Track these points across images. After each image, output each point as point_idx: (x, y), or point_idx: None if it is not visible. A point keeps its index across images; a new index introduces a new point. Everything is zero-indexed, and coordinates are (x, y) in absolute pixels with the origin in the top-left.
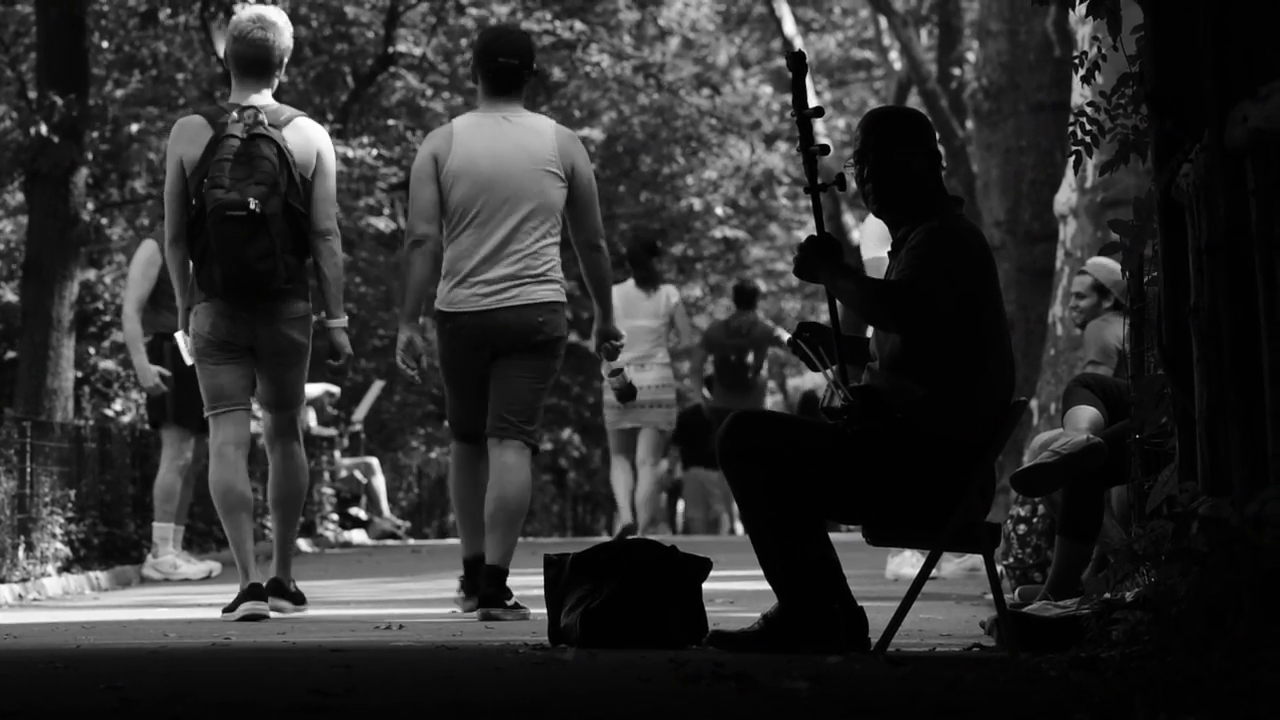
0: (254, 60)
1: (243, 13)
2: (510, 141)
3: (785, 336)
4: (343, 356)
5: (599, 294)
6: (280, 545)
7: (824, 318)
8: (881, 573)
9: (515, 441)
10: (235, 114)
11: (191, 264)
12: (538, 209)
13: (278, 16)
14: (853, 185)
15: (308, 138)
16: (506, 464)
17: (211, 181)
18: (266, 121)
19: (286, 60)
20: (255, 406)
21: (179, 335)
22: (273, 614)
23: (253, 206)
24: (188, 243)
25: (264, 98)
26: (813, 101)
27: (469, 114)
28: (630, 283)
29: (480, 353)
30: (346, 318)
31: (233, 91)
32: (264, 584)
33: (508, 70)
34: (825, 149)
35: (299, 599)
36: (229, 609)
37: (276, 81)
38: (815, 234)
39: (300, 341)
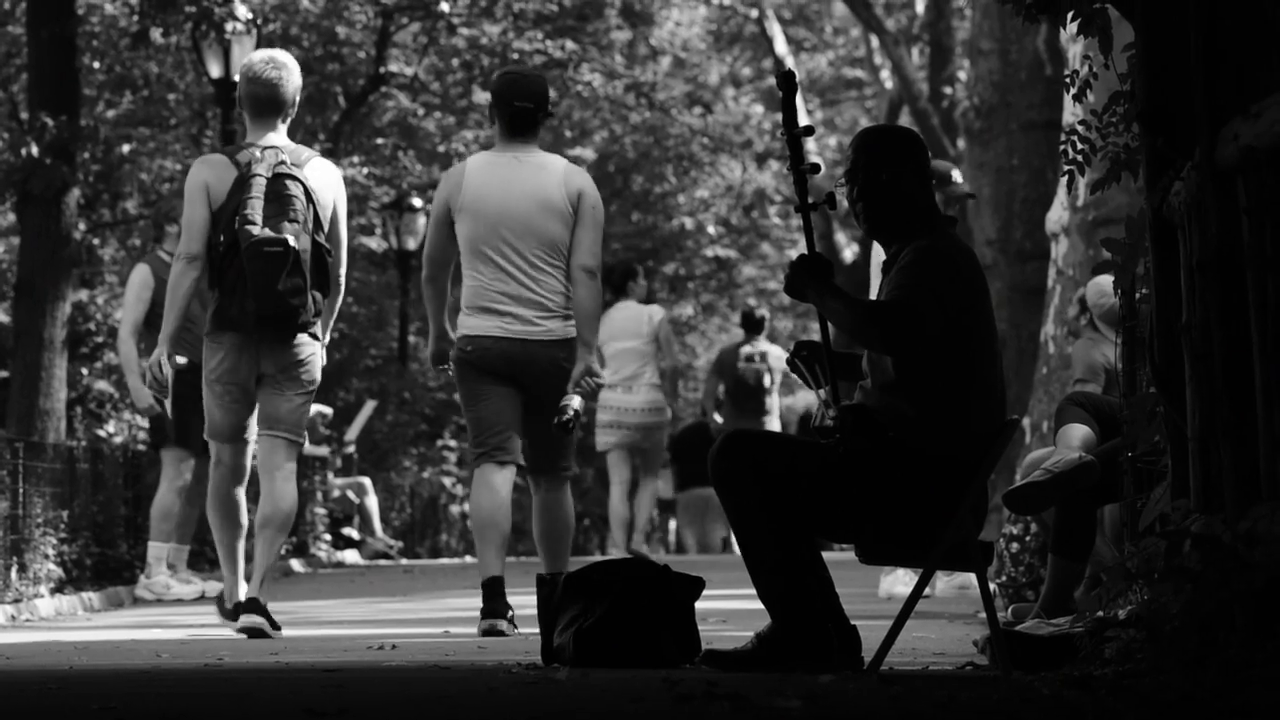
0: (267, 99)
1: (254, 55)
2: (519, 181)
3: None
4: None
5: (585, 323)
6: (261, 567)
7: (816, 336)
8: (874, 591)
9: (556, 479)
10: (258, 153)
11: (220, 297)
12: (546, 246)
13: (287, 59)
14: (844, 204)
15: (326, 177)
16: (554, 501)
17: (244, 219)
18: (289, 161)
19: (298, 100)
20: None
21: (162, 359)
22: (247, 631)
23: (292, 243)
24: (216, 276)
25: (280, 137)
26: (803, 120)
27: (483, 153)
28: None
29: (501, 371)
30: (328, 337)
31: (249, 132)
32: (258, 599)
33: (523, 113)
34: (815, 168)
35: (274, 625)
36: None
37: (289, 121)
38: (806, 253)
39: (308, 371)
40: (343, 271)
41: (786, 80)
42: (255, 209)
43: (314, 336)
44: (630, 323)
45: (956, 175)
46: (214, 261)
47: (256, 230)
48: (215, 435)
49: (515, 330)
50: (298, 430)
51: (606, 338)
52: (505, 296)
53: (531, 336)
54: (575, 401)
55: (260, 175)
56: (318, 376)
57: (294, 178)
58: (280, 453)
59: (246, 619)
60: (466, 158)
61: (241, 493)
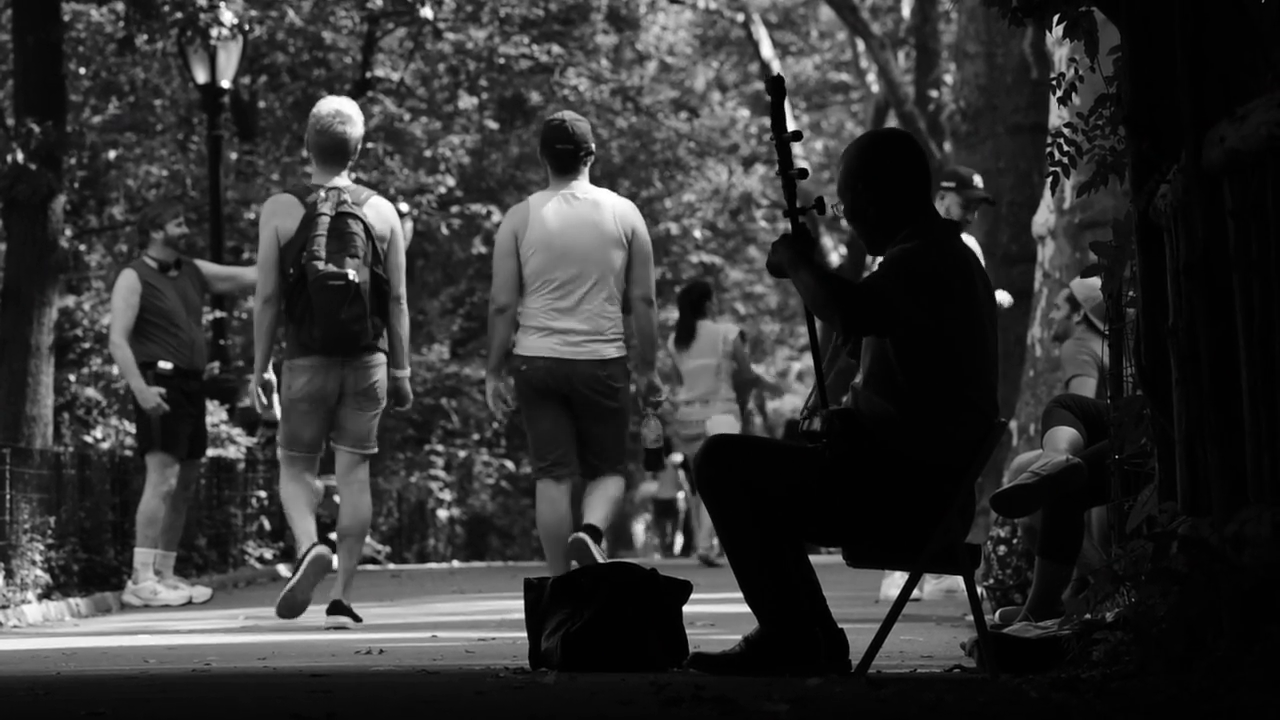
0: (334, 149)
1: (322, 105)
2: (577, 216)
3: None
4: (406, 402)
5: (647, 345)
6: (345, 572)
7: (802, 341)
8: (863, 594)
9: (608, 477)
10: (323, 194)
11: (291, 324)
12: (603, 275)
13: (352, 109)
14: (832, 209)
15: (382, 214)
16: (604, 484)
17: (310, 255)
18: (350, 201)
19: (360, 145)
20: None
21: (261, 381)
22: (335, 630)
23: (351, 276)
24: (288, 306)
25: (344, 179)
26: (791, 125)
27: (541, 193)
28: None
29: (551, 390)
30: (409, 369)
31: (315, 174)
32: (342, 600)
33: (565, 154)
34: (804, 172)
35: (356, 618)
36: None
37: (353, 163)
38: (789, 230)
39: (380, 388)
40: (403, 292)
41: (776, 85)
42: (320, 245)
43: (383, 352)
44: (707, 341)
45: (977, 180)
46: (287, 293)
47: (321, 265)
48: (296, 446)
49: (565, 351)
50: (368, 444)
51: (684, 356)
52: (558, 320)
53: (579, 356)
54: (653, 427)
55: (325, 214)
56: (385, 394)
57: (355, 216)
58: (355, 466)
59: (331, 619)
60: (529, 196)
61: (313, 497)
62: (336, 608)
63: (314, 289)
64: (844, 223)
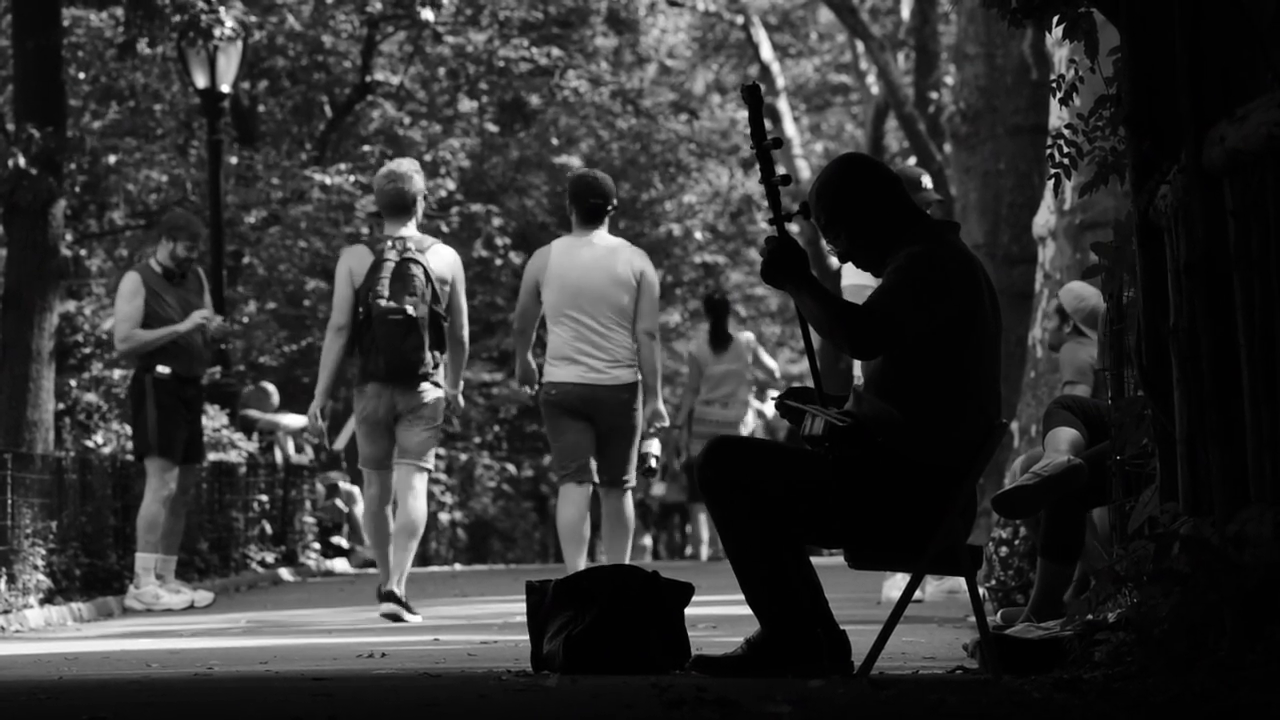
0: (393, 204)
1: (384, 168)
2: (592, 260)
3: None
4: (453, 409)
5: (650, 375)
6: (397, 565)
7: (800, 344)
8: (866, 596)
9: (618, 490)
10: (390, 243)
11: (360, 355)
12: (614, 311)
13: (407, 167)
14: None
15: (444, 259)
16: (616, 508)
17: (376, 294)
18: (414, 248)
19: (422, 198)
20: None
21: (317, 411)
22: (388, 618)
23: (410, 311)
24: (356, 338)
25: (410, 229)
26: (789, 127)
27: (564, 237)
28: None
29: (579, 411)
30: (462, 384)
31: (386, 226)
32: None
33: (597, 208)
34: (786, 179)
35: (410, 609)
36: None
37: (418, 214)
38: (779, 235)
39: (431, 410)
40: (465, 333)
41: (752, 94)
42: (385, 286)
43: (436, 384)
44: (733, 348)
45: (926, 181)
46: (357, 328)
47: (384, 303)
48: (365, 463)
49: (590, 378)
50: (424, 458)
51: (709, 360)
52: (582, 350)
53: (601, 382)
54: (654, 447)
55: (390, 260)
56: (440, 416)
57: (416, 261)
58: (411, 476)
59: (386, 606)
60: (552, 241)
61: (389, 510)
62: (389, 596)
63: (378, 323)
64: None
